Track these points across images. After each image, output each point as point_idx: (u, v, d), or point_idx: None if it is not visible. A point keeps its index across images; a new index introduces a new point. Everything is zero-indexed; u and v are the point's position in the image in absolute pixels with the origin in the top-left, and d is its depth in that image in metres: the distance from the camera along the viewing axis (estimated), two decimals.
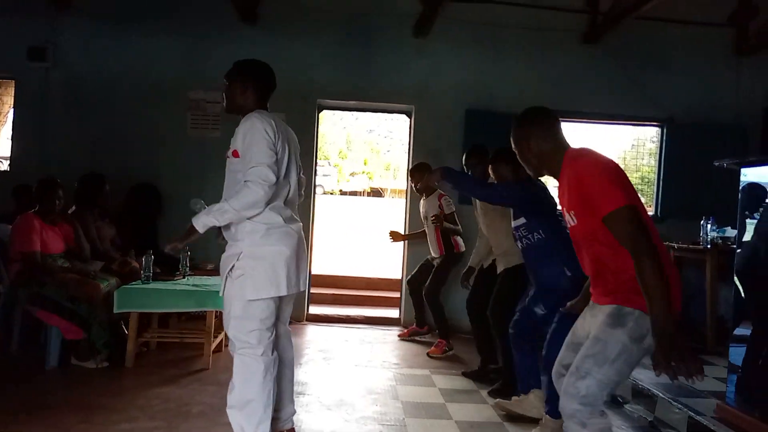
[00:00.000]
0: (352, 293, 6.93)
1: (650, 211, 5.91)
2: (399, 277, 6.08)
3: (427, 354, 4.69)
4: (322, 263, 8.34)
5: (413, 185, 5.06)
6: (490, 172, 3.51)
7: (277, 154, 2.45)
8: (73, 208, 4.50)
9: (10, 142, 5.63)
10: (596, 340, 1.96)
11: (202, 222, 2.42)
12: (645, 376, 3.55)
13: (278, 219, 2.52)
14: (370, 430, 3.06)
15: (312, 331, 5.41)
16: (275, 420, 2.69)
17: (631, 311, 1.92)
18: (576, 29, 5.75)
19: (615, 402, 3.57)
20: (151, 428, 2.92)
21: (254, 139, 2.41)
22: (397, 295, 6.14)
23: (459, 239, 4.88)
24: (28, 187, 4.68)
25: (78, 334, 3.82)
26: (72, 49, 5.56)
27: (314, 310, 5.94)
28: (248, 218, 2.46)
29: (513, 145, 2.25)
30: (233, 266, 2.50)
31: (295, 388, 3.63)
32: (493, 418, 3.31)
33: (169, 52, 5.61)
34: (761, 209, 3.02)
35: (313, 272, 6.18)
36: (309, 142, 5.68)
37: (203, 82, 5.48)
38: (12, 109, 5.69)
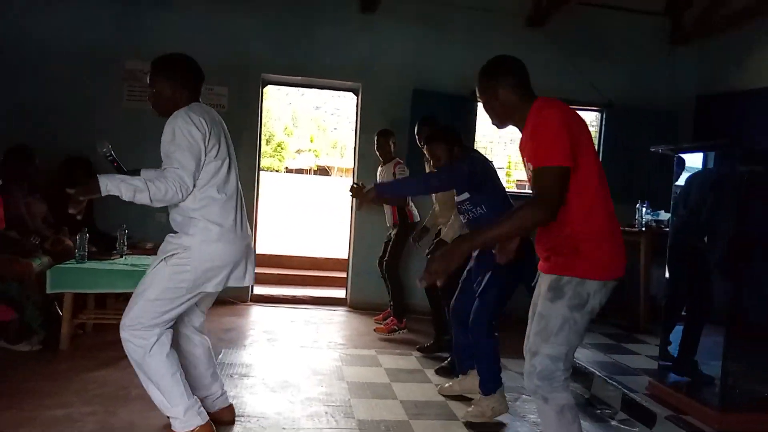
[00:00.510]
0: (297, 273, 6.87)
1: None
2: (345, 256, 6.07)
3: (374, 330, 4.71)
4: (266, 243, 8.23)
5: (376, 150, 5.00)
6: (425, 151, 3.48)
7: (207, 152, 2.41)
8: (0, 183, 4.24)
9: None
10: (540, 317, 2.01)
11: (108, 186, 2.30)
12: (582, 355, 3.69)
13: (230, 221, 2.50)
14: (315, 411, 3.06)
15: (257, 312, 5.34)
16: (203, 400, 2.69)
17: (568, 280, 1.94)
18: (521, 12, 5.80)
19: None
20: (88, 413, 2.81)
21: (179, 141, 2.35)
22: (343, 275, 6.13)
23: (413, 209, 4.85)
24: None
25: (8, 315, 3.63)
26: None
27: (259, 290, 5.86)
28: (203, 216, 2.43)
29: (479, 93, 2.20)
30: (175, 253, 2.45)
31: (239, 370, 3.61)
32: (437, 398, 3.37)
33: (103, 18, 5.28)
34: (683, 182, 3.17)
35: (257, 252, 6.08)
36: (253, 117, 5.55)
37: (140, 51, 5.22)
38: None
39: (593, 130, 6.24)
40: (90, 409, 2.86)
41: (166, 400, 2.48)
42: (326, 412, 3.04)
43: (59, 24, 5.22)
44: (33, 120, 5.11)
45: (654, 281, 4.72)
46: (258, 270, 5.98)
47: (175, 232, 2.52)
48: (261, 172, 5.88)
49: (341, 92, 6.12)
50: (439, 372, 3.78)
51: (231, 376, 3.48)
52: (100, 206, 5.13)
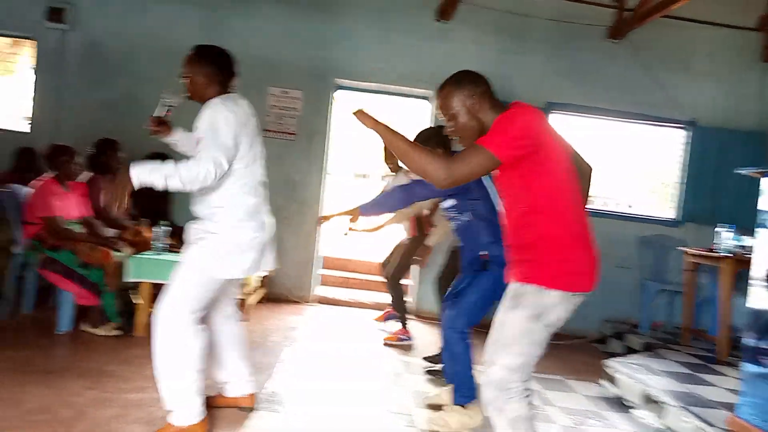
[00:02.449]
0: (361, 277, 6.90)
1: (671, 214, 5.91)
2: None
3: (384, 341, 4.58)
4: (332, 245, 8.30)
5: (384, 161, 4.97)
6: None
7: (237, 140, 2.46)
8: (89, 174, 4.48)
9: (32, 103, 5.61)
10: (498, 324, 1.98)
11: (140, 177, 2.32)
12: (655, 383, 3.52)
13: (256, 206, 2.57)
14: (372, 415, 3.06)
15: (319, 313, 5.45)
16: (227, 383, 2.84)
17: (529, 289, 1.93)
18: (601, 24, 5.65)
19: (622, 406, 3.56)
20: (158, 399, 2.86)
21: (214, 128, 2.42)
22: (408, 282, 6.11)
23: (435, 222, 4.65)
24: (30, 150, 4.75)
25: (91, 301, 3.85)
26: (90, 10, 5.53)
27: (322, 291, 5.95)
28: (229, 204, 2.50)
29: (444, 110, 2.08)
30: (204, 238, 2.52)
31: (296, 367, 3.65)
32: None
33: (187, 20, 5.55)
34: None
35: (322, 254, 6.18)
36: (323, 121, 5.66)
37: None
38: (33, 70, 5.65)
39: (679, 149, 5.97)
40: (160, 396, 2.96)
41: (182, 390, 2.48)
42: (382, 417, 3.04)
43: (152, 25, 5.54)
44: (121, 114, 5.40)
45: (734, 310, 4.44)
46: (323, 272, 6.14)
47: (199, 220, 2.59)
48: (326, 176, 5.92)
49: (412, 99, 6.13)
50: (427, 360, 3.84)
51: (290, 373, 3.53)
52: (179, 202, 5.37)
